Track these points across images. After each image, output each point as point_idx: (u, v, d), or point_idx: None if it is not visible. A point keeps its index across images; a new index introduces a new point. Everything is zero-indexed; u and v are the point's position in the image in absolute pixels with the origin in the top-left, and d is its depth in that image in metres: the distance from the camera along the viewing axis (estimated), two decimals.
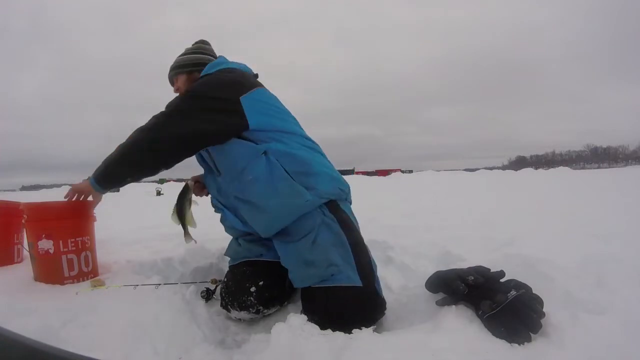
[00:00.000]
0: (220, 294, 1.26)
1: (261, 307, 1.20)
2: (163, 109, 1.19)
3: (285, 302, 1.30)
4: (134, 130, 1.18)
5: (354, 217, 1.28)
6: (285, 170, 1.13)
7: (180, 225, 1.33)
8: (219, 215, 1.41)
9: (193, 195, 1.36)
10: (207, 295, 1.33)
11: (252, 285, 1.19)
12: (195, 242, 1.39)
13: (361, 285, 1.09)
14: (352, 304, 1.08)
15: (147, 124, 1.16)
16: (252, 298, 1.18)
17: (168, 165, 1.20)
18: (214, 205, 1.40)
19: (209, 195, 1.43)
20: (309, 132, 1.34)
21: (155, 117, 1.17)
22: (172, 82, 1.43)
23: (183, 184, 1.38)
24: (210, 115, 1.14)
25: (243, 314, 1.20)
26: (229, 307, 1.21)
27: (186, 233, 1.34)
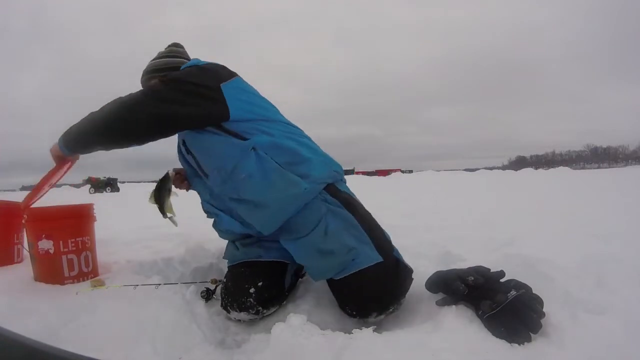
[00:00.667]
0: (221, 294, 1.26)
1: (260, 308, 1.19)
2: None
3: (284, 302, 1.30)
4: (110, 101, 1.14)
5: (353, 193, 1.28)
6: (277, 163, 1.11)
7: (158, 209, 1.31)
8: None
9: (173, 187, 1.34)
10: (207, 295, 1.33)
11: (251, 287, 1.19)
12: (176, 225, 1.36)
13: (382, 260, 1.09)
14: (381, 282, 1.09)
15: (124, 99, 1.13)
16: (251, 299, 1.18)
17: (140, 143, 1.18)
18: (206, 211, 1.37)
19: (189, 191, 1.42)
20: (309, 132, 1.33)
21: (133, 94, 1.14)
22: (144, 87, 1.36)
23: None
24: (189, 98, 1.12)
25: (242, 315, 1.20)
26: (229, 308, 1.21)
27: (165, 216, 1.32)
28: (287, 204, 1.13)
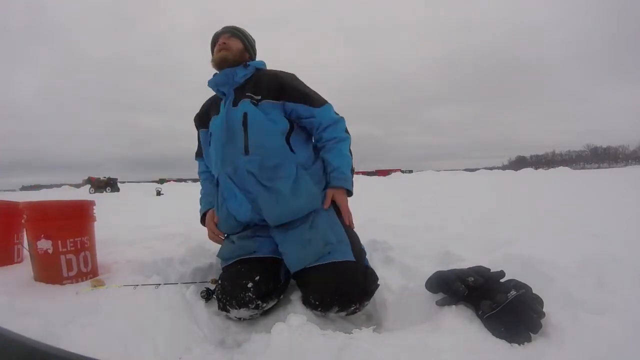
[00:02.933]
0: (217, 296, 1.26)
1: (259, 302, 1.20)
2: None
3: (282, 296, 1.31)
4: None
5: None
6: (311, 178, 1.32)
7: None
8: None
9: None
10: (207, 295, 1.33)
11: (249, 281, 1.20)
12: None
13: (354, 260, 1.20)
14: (348, 277, 1.17)
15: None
16: (249, 293, 1.19)
17: None
18: (220, 183, 1.37)
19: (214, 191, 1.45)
20: None
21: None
22: (222, 35, 1.43)
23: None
24: None
25: (243, 312, 1.20)
26: (228, 306, 1.21)
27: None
28: (304, 211, 1.29)
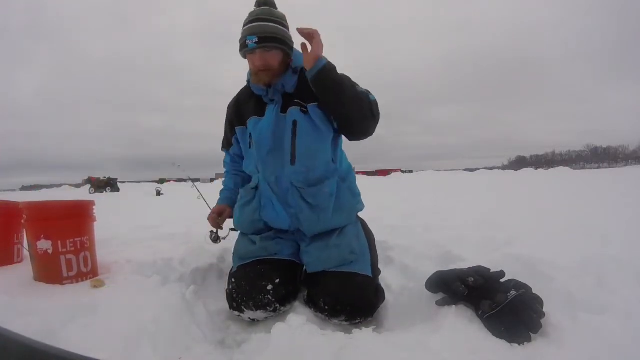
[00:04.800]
0: (230, 295, 1.23)
1: (278, 305, 1.19)
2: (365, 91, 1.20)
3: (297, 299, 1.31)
4: (362, 93, 1.18)
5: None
6: (351, 191, 1.34)
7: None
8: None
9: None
10: (216, 237, 1.42)
11: (269, 283, 1.19)
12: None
13: (371, 276, 1.21)
14: (362, 293, 1.17)
15: (374, 101, 1.21)
16: (269, 296, 1.17)
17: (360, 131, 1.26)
18: (260, 189, 1.31)
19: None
20: None
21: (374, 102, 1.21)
22: (258, 50, 1.19)
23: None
24: None
25: (259, 314, 1.18)
26: (243, 307, 1.18)
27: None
28: (342, 225, 1.29)
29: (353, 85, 1.18)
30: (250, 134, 1.31)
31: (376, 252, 1.33)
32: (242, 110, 1.37)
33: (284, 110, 1.25)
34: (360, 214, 1.40)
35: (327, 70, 1.12)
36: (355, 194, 1.35)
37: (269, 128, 1.25)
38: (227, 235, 1.47)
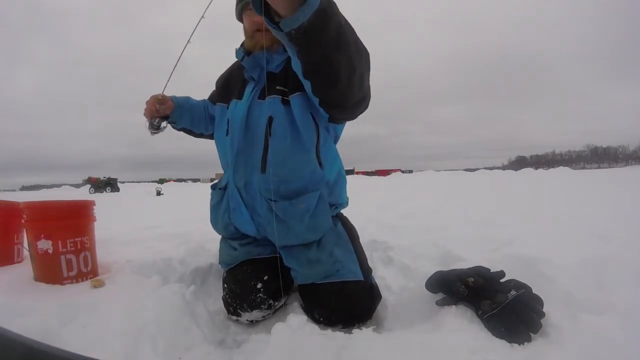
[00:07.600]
0: (225, 301, 1.23)
1: (272, 301, 1.18)
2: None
3: (290, 293, 1.30)
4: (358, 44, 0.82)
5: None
6: (330, 202, 1.21)
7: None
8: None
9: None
10: (158, 125, 1.31)
11: (258, 282, 1.18)
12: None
13: (362, 279, 1.15)
14: (356, 299, 1.12)
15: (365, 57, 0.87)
16: (260, 294, 1.17)
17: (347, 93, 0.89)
18: (228, 189, 1.23)
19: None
20: None
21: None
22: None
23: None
24: None
25: (255, 314, 1.18)
26: (239, 310, 1.18)
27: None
28: (316, 239, 1.18)
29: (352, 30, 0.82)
30: (229, 119, 1.17)
31: (361, 248, 1.25)
32: (230, 85, 1.23)
33: (262, 96, 1.09)
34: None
35: (327, 10, 0.68)
36: (338, 205, 1.25)
37: (242, 119, 1.10)
38: (166, 127, 1.36)
